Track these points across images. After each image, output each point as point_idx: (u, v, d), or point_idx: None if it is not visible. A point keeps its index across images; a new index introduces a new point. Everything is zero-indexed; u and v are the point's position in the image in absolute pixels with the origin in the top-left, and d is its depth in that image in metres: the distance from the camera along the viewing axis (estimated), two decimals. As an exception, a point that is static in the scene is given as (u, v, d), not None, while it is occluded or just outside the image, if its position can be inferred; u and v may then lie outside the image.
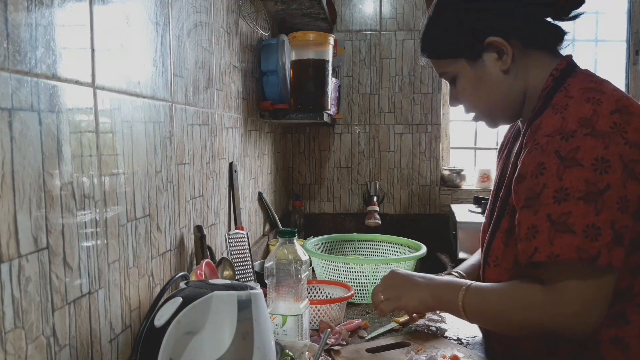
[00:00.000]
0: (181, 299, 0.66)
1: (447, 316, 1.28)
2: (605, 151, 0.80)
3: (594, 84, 0.88)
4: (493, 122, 1.05)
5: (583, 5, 0.94)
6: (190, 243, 1.11)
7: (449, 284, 1.01)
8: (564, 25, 0.97)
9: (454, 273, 1.18)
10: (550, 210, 0.81)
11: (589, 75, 0.92)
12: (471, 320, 0.97)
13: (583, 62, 1.00)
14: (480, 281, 1.02)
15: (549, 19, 0.96)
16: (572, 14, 0.95)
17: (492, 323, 0.96)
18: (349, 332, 1.14)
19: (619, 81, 2.61)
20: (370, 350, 1.05)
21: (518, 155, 0.95)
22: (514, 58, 0.93)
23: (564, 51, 0.98)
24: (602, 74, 0.96)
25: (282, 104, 1.75)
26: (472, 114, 1.04)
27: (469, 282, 0.98)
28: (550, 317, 0.84)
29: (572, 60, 0.96)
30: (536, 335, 0.90)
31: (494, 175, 2.56)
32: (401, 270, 1.10)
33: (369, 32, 2.51)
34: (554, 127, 0.84)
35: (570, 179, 0.80)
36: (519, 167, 0.88)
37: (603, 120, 0.82)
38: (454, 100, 1.05)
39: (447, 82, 1.05)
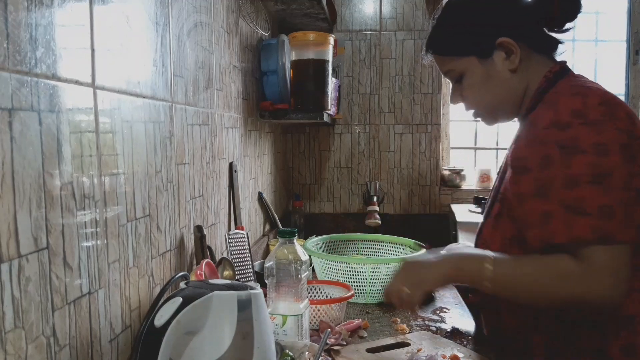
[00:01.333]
0: (181, 299, 0.66)
1: (447, 316, 1.28)
2: (600, 137, 0.87)
3: (582, 83, 0.97)
4: (493, 119, 1.11)
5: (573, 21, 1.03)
6: (190, 243, 1.11)
7: (469, 255, 1.00)
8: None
9: (461, 243, 1.26)
10: (562, 197, 0.87)
11: (579, 78, 1.01)
12: (496, 291, 0.96)
13: (583, 62, 1.06)
14: None
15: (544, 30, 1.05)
16: (565, 27, 1.03)
17: (522, 293, 0.95)
18: (349, 332, 1.14)
19: (619, 81, 2.61)
20: (370, 350, 1.05)
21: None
22: (520, 59, 1.01)
23: (561, 58, 1.07)
24: (602, 74, 1.03)
25: (282, 104, 1.75)
26: (472, 111, 1.11)
27: (490, 252, 0.96)
28: (587, 288, 0.87)
29: (567, 66, 1.04)
30: (566, 306, 0.92)
31: (494, 175, 2.57)
32: (412, 259, 1.13)
33: (369, 32, 2.51)
34: (548, 120, 0.91)
35: (576, 165, 0.87)
36: (513, 157, 0.95)
37: (593, 111, 0.89)
38: (457, 96, 1.10)
39: (450, 80, 1.11)
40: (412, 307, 1.06)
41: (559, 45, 1.06)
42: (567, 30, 1.04)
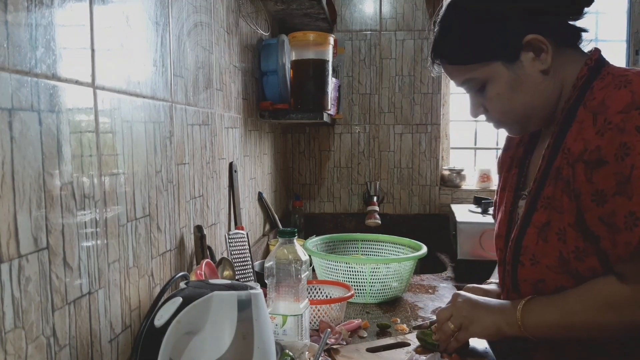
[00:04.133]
0: (181, 299, 0.66)
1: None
2: None
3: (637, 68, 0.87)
4: (523, 128, 0.99)
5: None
6: (190, 243, 1.11)
7: (509, 304, 0.95)
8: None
9: (492, 282, 1.15)
10: None
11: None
12: (548, 339, 0.91)
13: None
14: (509, 284, 0.99)
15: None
16: (583, 13, 0.93)
17: (575, 334, 0.89)
18: (349, 332, 1.14)
19: (619, 81, 2.60)
20: (371, 350, 1.05)
21: (555, 146, 0.91)
22: (552, 56, 0.89)
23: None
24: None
25: (282, 104, 1.75)
26: (494, 122, 0.99)
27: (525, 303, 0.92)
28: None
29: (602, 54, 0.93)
30: (626, 334, 0.86)
31: (494, 175, 2.56)
32: (467, 295, 1.02)
33: (369, 32, 2.51)
34: (624, 102, 0.80)
35: None
36: (581, 151, 0.83)
37: None
38: (479, 108, 0.98)
39: (467, 90, 0.98)
40: (450, 346, 1.00)
41: (582, 34, 0.95)
42: (584, 16, 0.93)
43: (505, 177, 1.11)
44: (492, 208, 1.16)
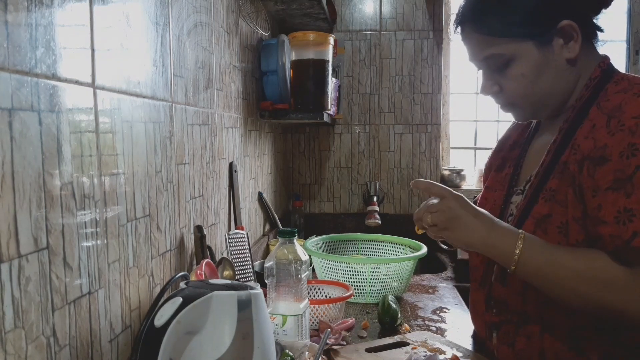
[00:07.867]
0: (181, 299, 0.66)
1: (447, 316, 1.28)
2: None
3: None
4: (534, 114, 0.98)
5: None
6: (190, 243, 1.11)
7: (508, 232, 0.88)
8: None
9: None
10: None
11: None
12: (523, 277, 0.87)
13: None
14: (498, 275, 0.96)
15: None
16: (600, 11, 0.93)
17: (551, 288, 0.86)
18: (346, 332, 1.14)
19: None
20: (370, 350, 1.05)
21: (563, 142, 0.91)
22: (581, 46, 0.89)
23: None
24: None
25: (282, 104, 1.75)
26: (505, 104, 0.97)
27: (521, 231, 0.87)
28: (632, 300, 0.79)
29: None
30: (600, 313, 0.84)
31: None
32: (462, 201, 0.94)
33: (369, 32, 2.51)
34: None
35: None
36: (589, 148, 0.84)
37: None
38: (493, 86, 0.95)
39: (487, 67, 0.94)
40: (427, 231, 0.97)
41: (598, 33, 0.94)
42: (599, 15, 0.93)
43: (493, 177, 1.10)
44: None
